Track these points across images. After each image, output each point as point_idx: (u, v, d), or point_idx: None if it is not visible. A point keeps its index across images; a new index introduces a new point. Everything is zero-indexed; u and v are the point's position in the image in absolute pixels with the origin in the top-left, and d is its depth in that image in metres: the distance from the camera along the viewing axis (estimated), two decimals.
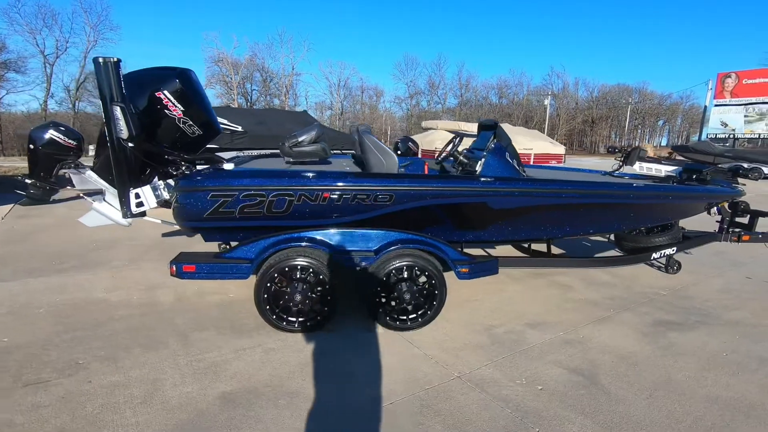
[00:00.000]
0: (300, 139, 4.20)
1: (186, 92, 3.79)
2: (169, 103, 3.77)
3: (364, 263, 3.33)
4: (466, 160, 3.92)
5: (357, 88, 52.59)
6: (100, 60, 3.35)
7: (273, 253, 3.23)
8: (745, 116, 31.83)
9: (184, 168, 4.14)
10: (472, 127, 13.75)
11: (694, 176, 4.95)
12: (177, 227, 4.01)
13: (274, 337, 3.31)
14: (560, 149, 15.18)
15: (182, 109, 3.80)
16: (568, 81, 62.15)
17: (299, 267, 3.26)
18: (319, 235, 3.35)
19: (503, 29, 75.08)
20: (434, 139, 12.79)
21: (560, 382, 2.90)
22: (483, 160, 3.62)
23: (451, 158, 4.04)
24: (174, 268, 3.20)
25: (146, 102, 3.71)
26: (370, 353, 3.15)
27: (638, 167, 5.62)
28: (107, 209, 4.16)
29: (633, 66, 75.86)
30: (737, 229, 5.15)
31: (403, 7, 73.05)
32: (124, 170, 3.54)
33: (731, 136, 32.39)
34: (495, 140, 3.70)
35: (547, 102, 55.15)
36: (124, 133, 3.39)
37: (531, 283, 4.85)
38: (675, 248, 4.58)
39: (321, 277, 3.30)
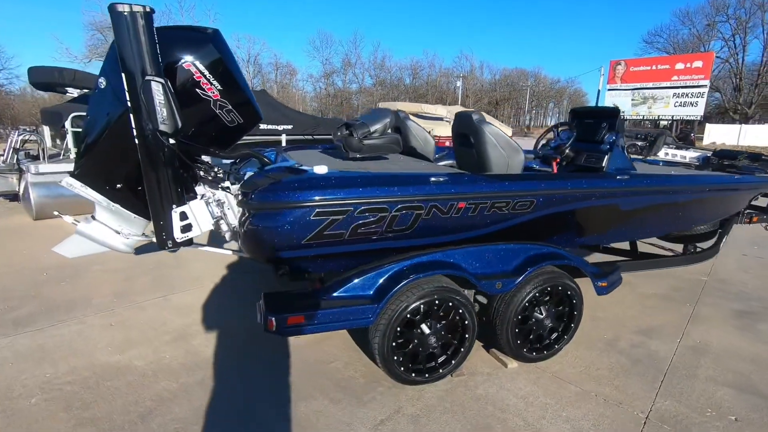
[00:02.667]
0: (372, 129, 3.31)
1: (224, 64, 2.73)
2: (203, 80, 2.69)
3: (503, 288, 2.67)
4: (573, 154, 3.40)
5: (269, 64, 48.96)
6: (124, 9, 2.15)
7: (403, 286, 2.41)
8: (632, 100, 36.01)
9: (217, 170, 3.06)
10: (435, 110, 13.31)
11: (725, 163, 5.02)
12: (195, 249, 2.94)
13: (406, 396, 2.53)
14: (508, 131, 15.52)
15: (219, 87, 2.74)
16: (475, 64, 64.98)
17: (437, 302, 2.50)
18: (450, 256, 2.60)
19: (417, 7, 75.38)
20: None
21: (743, 407, 2.60)
22: (609, 155, 3.12)
23: (551, 151, 3.49)
24: (273, 323, 2.22)
25: (169, 78, 2.56)
26: (533, 400, 2.54)
27: (663, 154, 5.63)
28: (99, 231, 2.96)
29: (529, 51, 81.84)
30: (748, 211, 5.40)
31: None
32: (166, 180, 2.39)
33: (621, 116, 36.58)
34: (616, 131, 3.22)
35: (459, 84, 57.28)
36: (168, 125, 2.25)
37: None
38: (726, 235, 4.62)
39: (461, 311, 2.58)
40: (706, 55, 33.63)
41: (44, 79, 6.36)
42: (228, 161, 3.52)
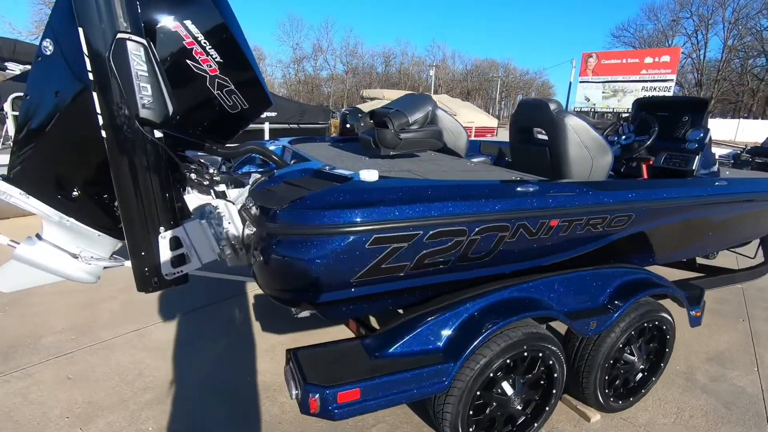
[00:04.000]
0: (411, 119, 2.63)
1: (228, 30, 2.01)
2: (196, 47, 1.96)
3: (598, 328, 2.08)
4: (643, 152, 2.85)
5: None
6: None
7: (486, 336, 1.77)
8: (603, 92, 36.65)
9: (213, 172, 2.34)
10: None
11: (758, 160, 4.68)
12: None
13: None
14: (493, 122, 15.06)
15: (219, 60, 2.02)
16: (447, 53, 64.60)
17: (525, 353, 1.89)
18: (536, 291, 1.99)
19: None
20: None
21: None
22: (700, 155, 2.58)
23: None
24: (317, 403, 1.53)
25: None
26: None
27: None
28: (48, 256, 2.20)
29: (499, 42, 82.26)
30: None
31: None
32: (149, 192, 1.64)
33: (592, 109, 37.29)
34: (704, 127, 2.68)
35: (432, 73, 56.93)
36: (153, 110, 1.50)
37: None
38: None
39: (551, 362, 1.98)
40: (674, 50, 34.56)
41: None
42: (219, 158, 2.76)
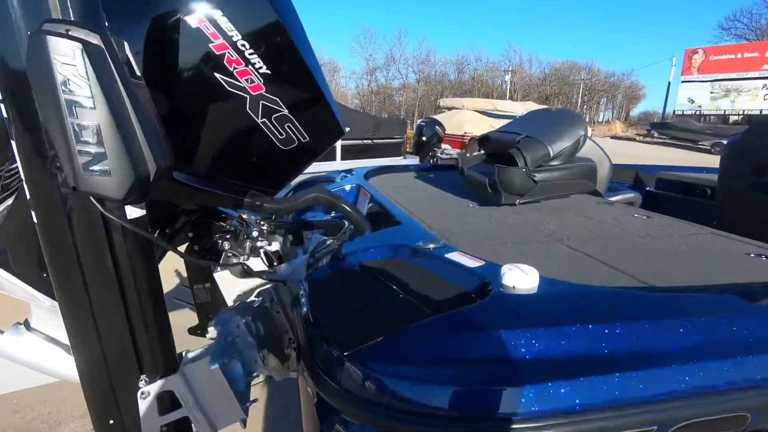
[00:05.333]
0: (553, 151, 1.71)
1: (284, 31, 1.19)
2: (229, 54, 1.14)
3: None
4: None
5: None
6: None
7: None
8: (711, 92, 32.33)
9: (258, 231, 1.63)
10: (509, 106, 11.47)
11: None
12: None
13: None
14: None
15: (266, 70, 1.19)
16: (523, 58, 61.67)
17: None
18: None
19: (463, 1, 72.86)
20: (462, 121, 10.29)
21: None
22: None
23: None
24: None
25: (159, 44, 1.08)
26: None
27: None
28: (39, 351, 1.57)
29: (582, 43, 76.98)
30: None
31: None
32: (118, 319, 0.90)
33: (697, 112, 33.06)
34: None
35: (508, 78, 54.84)
36: (109, 175, 0.73)
37: None
38: None
39: None
40: None
41: None
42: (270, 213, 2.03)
